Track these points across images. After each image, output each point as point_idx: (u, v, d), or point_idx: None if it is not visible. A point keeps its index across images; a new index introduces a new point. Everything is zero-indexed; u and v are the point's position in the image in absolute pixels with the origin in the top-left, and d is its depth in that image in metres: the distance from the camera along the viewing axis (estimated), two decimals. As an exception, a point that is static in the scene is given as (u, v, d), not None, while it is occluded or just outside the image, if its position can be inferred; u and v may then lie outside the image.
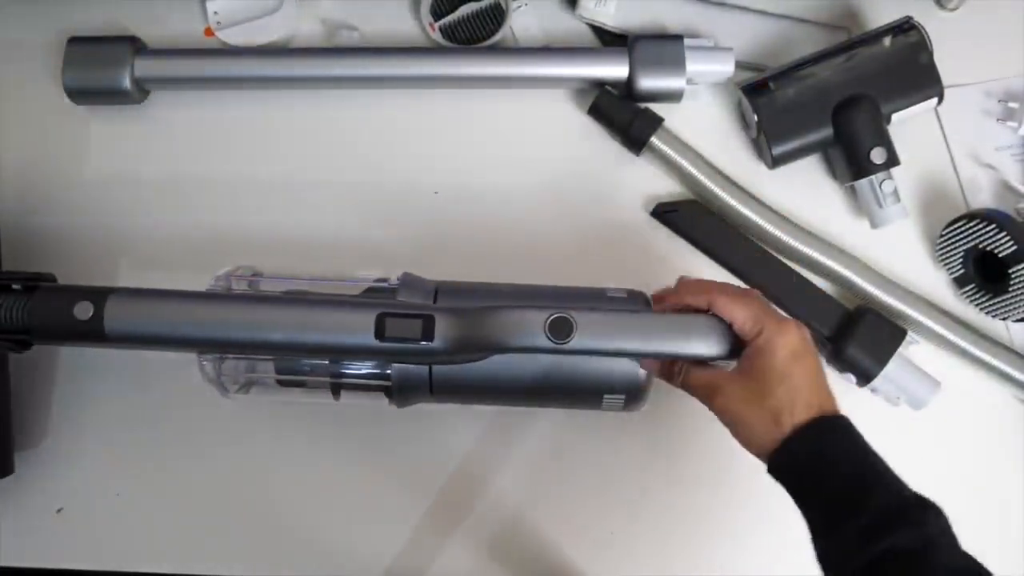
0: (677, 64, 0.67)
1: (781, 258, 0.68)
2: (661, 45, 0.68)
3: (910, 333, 0.65)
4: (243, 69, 0.71)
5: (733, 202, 0.67)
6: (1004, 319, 0.65)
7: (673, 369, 0.54)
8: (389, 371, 0.55)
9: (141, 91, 0.71)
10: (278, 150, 0.72)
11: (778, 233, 0.67)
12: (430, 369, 0.55)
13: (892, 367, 0.63)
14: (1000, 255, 0.63)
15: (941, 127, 0.70)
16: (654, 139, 0.68)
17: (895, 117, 0.66)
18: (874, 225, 0.67)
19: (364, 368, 0.58)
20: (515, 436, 0.67)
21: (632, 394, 0.55)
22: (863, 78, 0.65)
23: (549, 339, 0.50)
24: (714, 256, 0.68)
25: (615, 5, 0.71)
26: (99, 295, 0.54)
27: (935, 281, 0.68)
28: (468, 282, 0.58)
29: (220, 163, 0.72)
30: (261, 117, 0.73)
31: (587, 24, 0.73)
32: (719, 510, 0.65)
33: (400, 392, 0.56)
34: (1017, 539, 0.64)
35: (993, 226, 0.63)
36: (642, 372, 0.54)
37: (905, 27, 0.65)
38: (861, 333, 0.64)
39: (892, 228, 0.66)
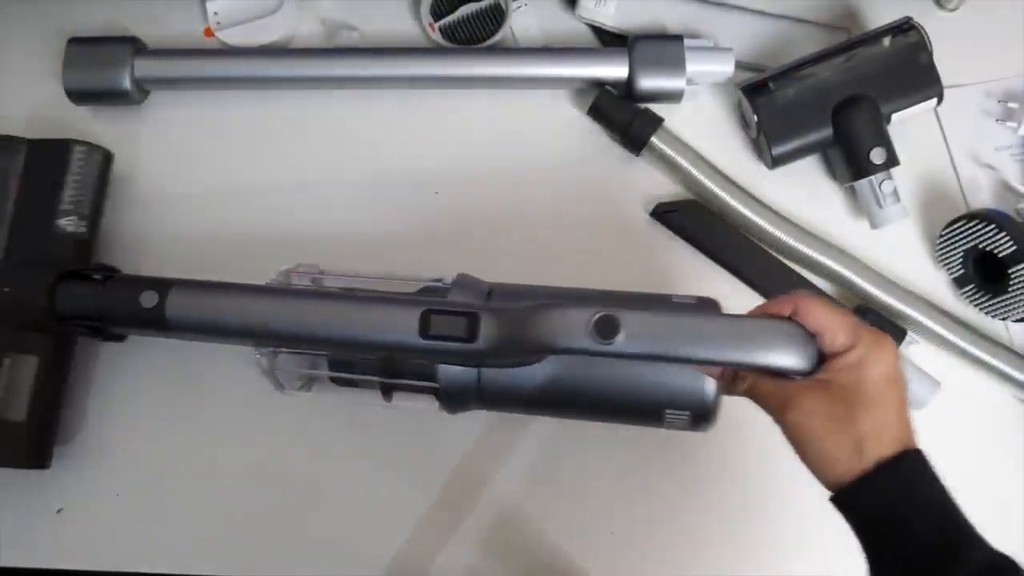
0: (677, 64, 0.67)
1: (781, 258, 0.68)
2: (661, 45, 0.68)
3: (910, 333, 0.65)
4: (243, 69, 0.71)
5: (733, 202, 0.67)
6: (1004, 319, 0.65)
7: (737, 375, 0.49)
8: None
9: (141, 91, 0.71)
10: (278, 151, 0.72)
11: (778, 233, 0.67)
12: (479, 374, 0.54)
13: (892, 367, 0.63)
14: (1000, 255, 0.63)
15: (941, 127, 0.70)
16: (654, 139, 0.68)
17: (895, 117, 0.66)
18: (874, 225, 0.67)
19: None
20: (517, 434, 0.67)
21: (698, 411, 0.51)
22: (863, 78, 0.65)
23: (593, 339, 0.45)
24: (714, 256, 0.68)
25: (615, 5, 0.71)
26: (164, 285, 0.57)
27: (935, 281, 0.68)
28: (525, 285, 0.58)
29: (220, 163, 0.72)
30: (261, 117, 0.73)
31: (587, 24, 0.73)
32: (723, 508, 0.65)
33: (448, 397, 0.56)
34: (1017, 539, 0.64)
35: (993, 226, 0.63)
36: (711, 386, 0.50)
37: (905, 27, 0.65)
38: (861, 333, 0.64)
39: (892, 228, 0.66)
